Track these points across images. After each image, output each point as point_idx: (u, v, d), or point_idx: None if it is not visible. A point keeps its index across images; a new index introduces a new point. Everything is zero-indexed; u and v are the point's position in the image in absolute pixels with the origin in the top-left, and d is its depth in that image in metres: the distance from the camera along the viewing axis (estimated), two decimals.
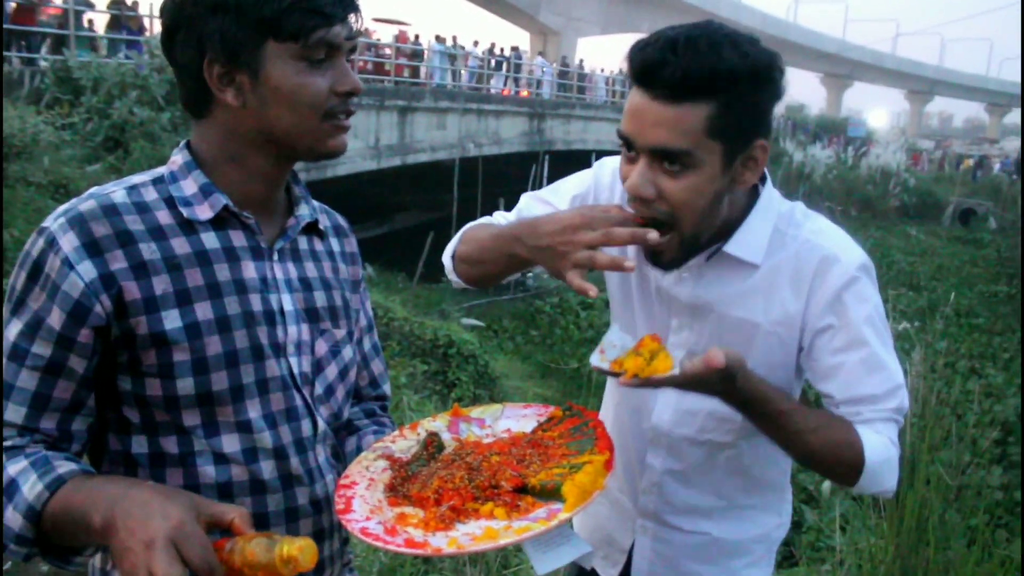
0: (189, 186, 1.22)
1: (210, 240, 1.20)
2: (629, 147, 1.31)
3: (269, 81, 1.17)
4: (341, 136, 1.25)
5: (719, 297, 1.45)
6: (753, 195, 1.44)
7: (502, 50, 24.91)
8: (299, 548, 0.96)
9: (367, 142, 17.11)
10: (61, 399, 1.14)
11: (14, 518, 1.05)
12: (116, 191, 1.18)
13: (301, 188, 1.36)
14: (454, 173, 19.47)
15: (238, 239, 1.23)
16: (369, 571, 2.90)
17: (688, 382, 1.20)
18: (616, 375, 1.20)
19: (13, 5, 13.33)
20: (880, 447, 1.36)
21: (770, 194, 1.46)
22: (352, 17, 1.23)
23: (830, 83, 70.24)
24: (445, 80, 21.67)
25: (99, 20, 14.25)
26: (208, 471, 1.19)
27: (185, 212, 1.19)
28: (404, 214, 22.34)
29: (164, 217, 1.18)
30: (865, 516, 3.99)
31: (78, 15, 13.37)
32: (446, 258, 1.62)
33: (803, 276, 1.42)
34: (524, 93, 24.48)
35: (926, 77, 73.56)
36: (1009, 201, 30.03)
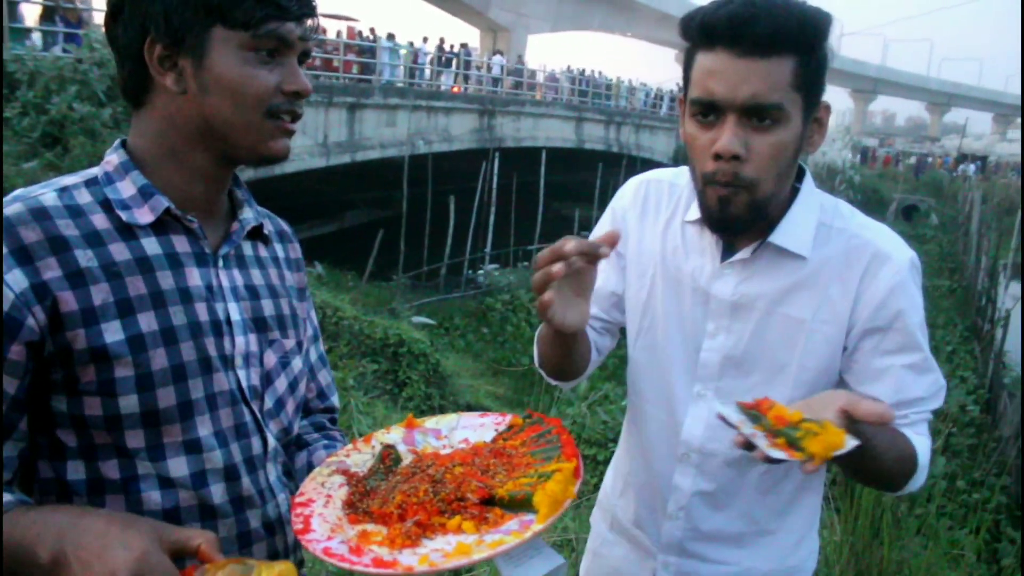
0: (127, 188, 1.14)
1: (151, 246, 1.12)
2: (708, 112, 1.29)
3: (213, 68, 1.11)
4: (283, 139, 1.18)
5: (765, 292, 1.41)
6: (794, 189, 1.42)
7: (452, 47, 24.78)
8: (278, 573, 0.90)
9: (316, 139, 16.89)
10: None
11: None
12: (45, 193, 1.09)
13: (244, 191, 1.29)
14: (404, 170, 19.33)
15: (181, 244, 1.16)
16: None
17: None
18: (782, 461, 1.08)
19: None
20: (926, 450, 1.36)
21: (810, 186, 1.43)
22: (309, 20, 1.17)
23: None
24: (395, 77, 21.49)
25: (32, 11, 13.85)
26: (153, 497, 1.11)
27: (124, 216, 1.11)
28: (354, 212, 22.13)
29: (100, 221, 1.10)
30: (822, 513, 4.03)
31: (12, 6, 12.97)
32: (538, 367, 1.58)
33: (853, 272, 1.38)
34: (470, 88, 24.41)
35: (869, 76, 74.99)
36: (950, 197, 30.77)
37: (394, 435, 1.34)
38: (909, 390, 1.38)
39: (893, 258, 1.38)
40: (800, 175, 1.42)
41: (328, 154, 17.33)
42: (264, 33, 1.11)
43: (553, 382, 1.60)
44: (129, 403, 1.07)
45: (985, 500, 6.55)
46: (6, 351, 1.02)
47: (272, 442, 1.24)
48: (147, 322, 1.09)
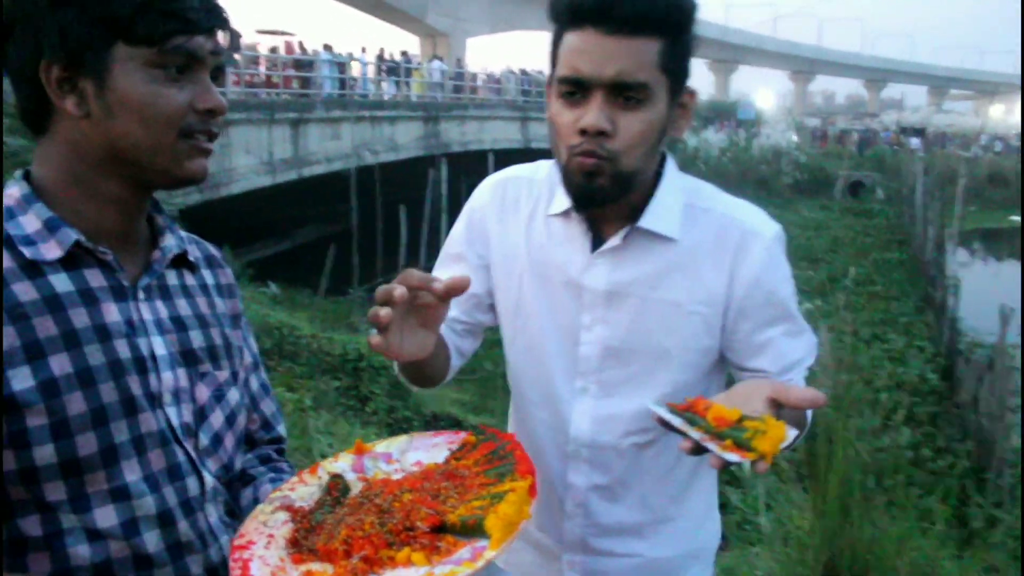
0: (31, 222, 1.05)
1: (61, 282, 1.04)
2: (576, 90, 1.29)
3: (116, 88, 1.03)
4: (200, 159, 1.10)
5: (639, 278, 1.40)
6: (657, 175, 1.42)
7: (391, 55, 24.65)
8: None
9: (260, 158, 16.67)
10: None
11: None
12: None
13: (164, 217, 1.21)
14: (351, 183, 19.17)
15: (95, 279, 1.07)
16: None
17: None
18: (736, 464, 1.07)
19: None
20: None
21: (673, 168, 1.44)
22: (220, 33, 1.10)
23: (717, 68, 72.09)
24: (335, 89, 21.30)
25: None
26: (80, 551, 1.03)
27: (28, 252, 1.03)
28: (305, 229, 21.87)
29: (3, 260, 1.02)
30: (788, 494, 4.03)
31: None
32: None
33: (725, 252, 1.39)
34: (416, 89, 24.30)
35: (806, 58, 76.20)
36: (893, 171, 31.29)
37: (342, 463, 1.27)
38: (789, 355, 1.43)
39: (762, 234, 1.40)
40: (662, 160, 1.43)
41: (274, 172, 17.12)
42: (171, 49, 1.04)
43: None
44: (45, 453, 0.99)
45: (950, 466, 6.65)
46: None
47: (210, 481, 1.16)
48: (60, 365, 1.01)
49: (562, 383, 1.47)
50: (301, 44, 22.35)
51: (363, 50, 23.78)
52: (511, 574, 1.05)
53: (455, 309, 1.52)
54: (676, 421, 1.09)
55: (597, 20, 1.25)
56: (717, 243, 1.39)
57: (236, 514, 1.23)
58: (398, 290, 1.11)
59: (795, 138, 35.71)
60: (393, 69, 23.99)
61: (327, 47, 21.70)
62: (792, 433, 1.06)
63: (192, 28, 1.05)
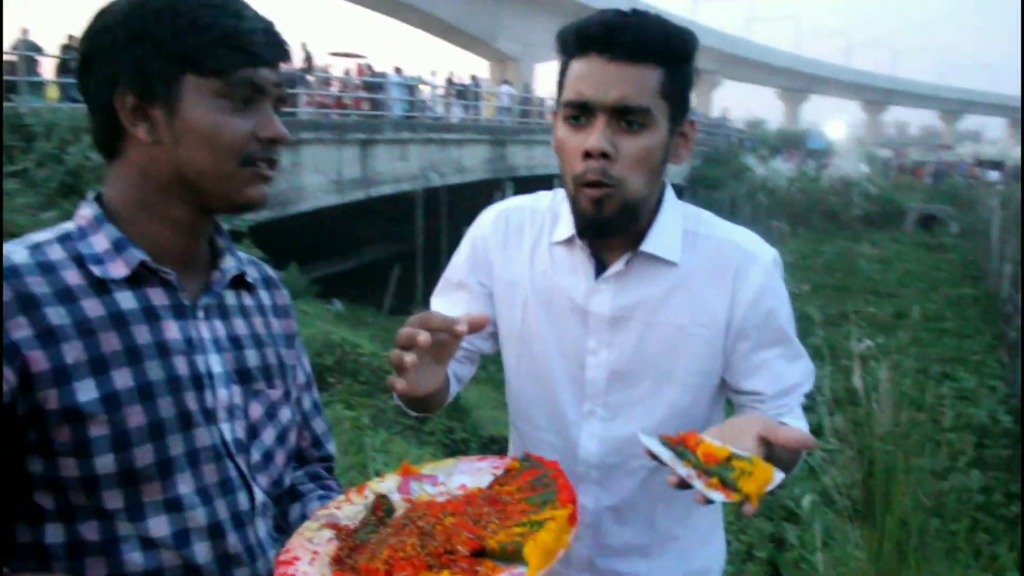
0: (100, 242, 1.11)
1: (126, 300, 1.09)
2: (580, 113, 1.35)
3: (185, 117, 1.08)
4: (260, 186, 1.15)
5: (642, 302, 1.44)
6: (657, 201, 1.46)
7: (460, 79, 24.95)
8: None
9: (329, 177, 16.98)
10: None
11: None
12: (16, 251, 1.06)
13: (225, 239, 1.26)
14: (418, 204, 19.38)
15: (158, 297, 1.13)
16: None
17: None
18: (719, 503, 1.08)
19: None
20: (805, 430, 1.40)
21: (672, 196, 1.49)
22: (283, 64, 1.15)
23: (787, 97, 71.29)
24: (405, 111, 21.62)
25: (49, 64, 14.06)
26: (135, 559, 1.07)
27: (97, 271, 1.08)
28: (371, 248, 22.18)
29: (73, 277, 1.07)
30: (847, 532, 3.93)
31: (30, 61, 13.19)
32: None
33: (724, 275, 1.44)
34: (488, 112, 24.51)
35: (880, 88, 74.90)
36: (967, 205, 30.47)
37: (388, 484, 1.29)
38: (785, 379, 1.46)
39: (760, 258, 1.45)
40: (661, 187, 1.46)
41: (343, 191, 17.42)
42: (237, 80, 1.09)
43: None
44: (105, 463, 1.04)
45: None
46: None
47: (260, 497, 1.20)
48: (122, 379, 1.06)
49: (570, 406, 1.50)
50: (370, 67, 22.74)
51: (433, 73, 24.13)
52: None
53: None
54: (665, 455, 1.10)
55: (602, 47, 1.31)
56: (717, 266, 1.44)
57: (284, 529, 1.26)
58: (422, 336, 1.14)
59: (865, 169, 35.04)
60: (462, 92, 24.26)
61: (397, 70, 22.06)
62: (779, 476, 1.06)
63: (257, 61, 1.10)
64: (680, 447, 1.11)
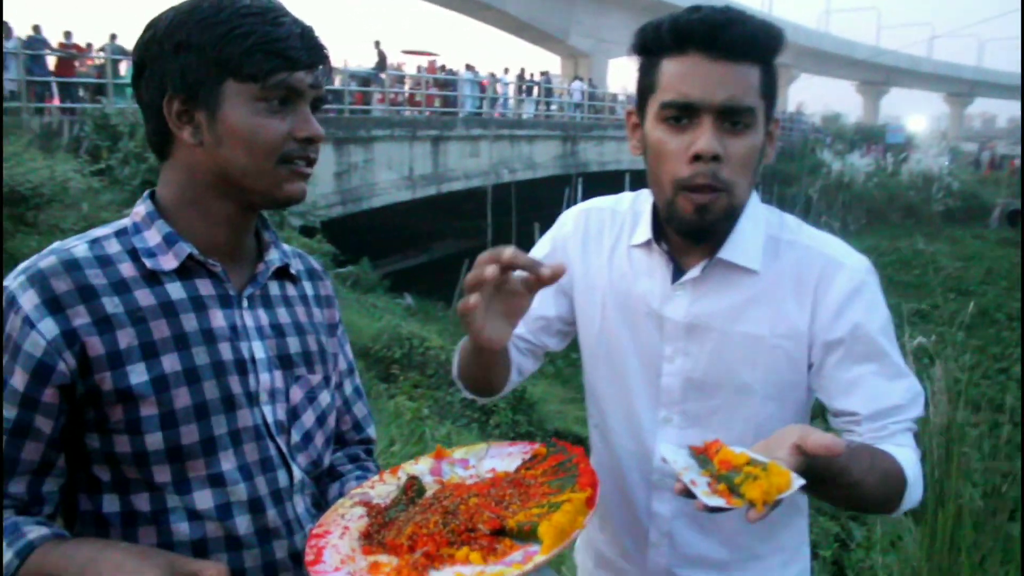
0: (152, 236, 1.20)
1: (176, 290, 1.18)
2: (683, 114, 1.30)
3: (226, 120, 1.16)
4: (299, 183, 1.22)
5: (718, 310, 1.39)
6: None
7: (532, 75, 25.00)
8: None
9: (401, 173, 17.25)
10: (30, 461, 1.12)
11: None
12: (78, 245, 1.16)
13: (271, 233, 1.34)
14: (487, 200, 19.51)
15: (205, 288, 1.21)
16: None
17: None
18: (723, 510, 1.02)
19: (54, 59, 13.72)
20: (913, 462, 1.30)
21: (755, 199, 1.42)
22: (321, 67, 1.22)
23: (866, 91, 69.54)
24: (476, 108, 21.78)
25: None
26: (182, 528, 1.16)
27: (149, 263, 1.18)
28: (441, 243, 22.45)
29: (127, 269, 1.17)
30: (911, 532, 3.88)
31: (115, 64, 13.70)
32: (455, 378, 1.58)
33: (806, 284, 1.37)
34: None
35: (965, 79, 72.50)
36: None
37: (422, 466, 1.36)
38: (883, 399, 1.34)
39: (846, 266, 1.37)
40: None
41: (414, 187, 17.67)
42: (273, 84, 1.16)
43: (468, 395, 1.60)
44: (154, 440, 1.13)
45: None
46: (40, 395, 1.10)
47: (299, 475, 1.28)
48: (170, 363, 1.15)
49: (645, 412, 1.46)
50: (444, 66, 22.96)
51: (506, 71, 24.23)
52: None
53: (522, 327, 1.55)
54: (680, 462, 1.08)
55: (704, 45, 1.27)
56: (799, 275, 1.37)
57: (322, 507, 1.34)
58: (507, 252, 1.15)
59: (948, 163, 34.02)
60: (532, 89, 24.32)
61: (469, 67, 22.23)
62: (798, 482, 0.98)
63: (293, 65, 1.17)
64: (702, 456, 1.09)
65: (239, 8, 1.16)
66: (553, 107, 25.20)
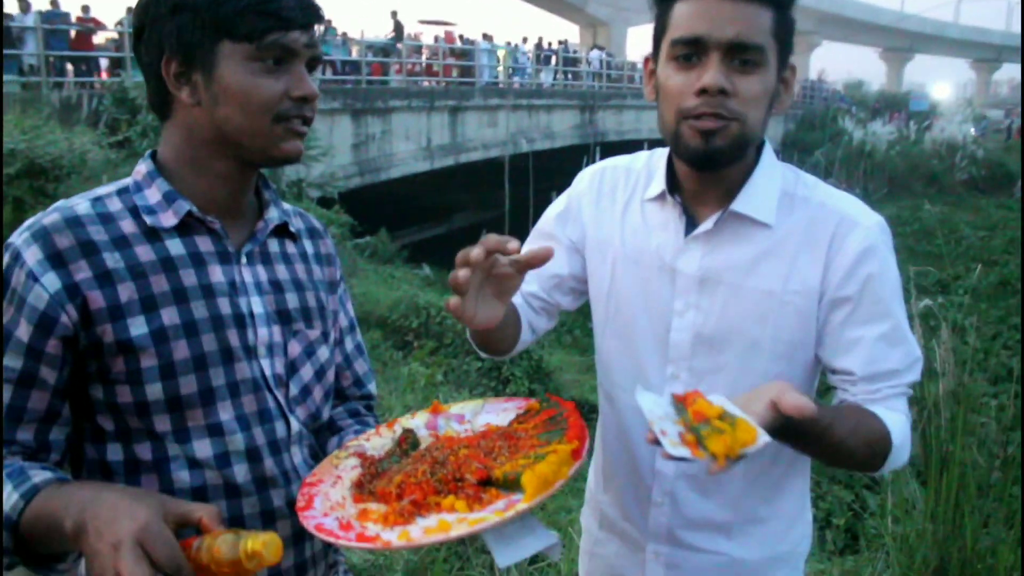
0: (153, 195, 1.24)
1: (175, 247, 1.22)
2: (692, 52, 1.31)
3: (221, 80, 1.19)
4: (294, 141, 1.25)
5: (731, 264, 1.39)
6: (754, 160, 1.42)
7: (550, 44, 24.84)
8: (263, 543, 0.96)
9: (419, 143, 17.25)
10: (36, 410, 1.16)
11: None
12: (80, 203, 1.20)
13: (271, 192, 1.38)
14: (505, 170, 19.48)
15: (204, 244, 1.25)
16: (394, 570, 2.92)
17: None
18: (687, 460, 1.05)
19: (73, 32, 13.77)
20: (901, 426, 1.32)
21: (771, 154, 1.44)
22: (316, 27, 1.24)
23: (889, 58, 68.56)
24: (494, 78, 21.69)
25: None
26: (183, 476, 1.21)
27: (149, 220, 1.21)
28: (460, 213, 22.45)
29: (128, 226, 1.20)
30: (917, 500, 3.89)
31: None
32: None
33: (820, 240, 1.37)
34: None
35: (992, 44, 71.25)
36: None
37: (418, 420, 1.40)
38: (882, 362, 1.35)
39: (861, 223, 1.37)
40: (760, 145, 1.42)
41: (432, 157, 17.67)
42: (268, 44, 1.19)
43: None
44: (154, 390, 1.17)
45: None
46: (44, 346, 1.14)
47: (296, 426, 1.31)
48: (169, 316, 1.18)
49: (653, 369, 1.47)
50: (461, 35, 22.84)
51: (524, 40, 24.09)
52: (552, 533, 1.13)
53: (535, 285, 1.59)
54: (654, 412, 1.10)
55: None
56: (813, 231, 1.37)
57: (320, 459, 1.38)
58: (475, 252, 1.13)
59: (973, 131, 33.54)
60: (550, 58, 24.17)
61: (487, 36, 22.10)
62: (764, 439, 1.00)
63: (287, 25, 1.19)
64: (680, 405, 1.11)
65: None
66: (571, 76, 25.04)
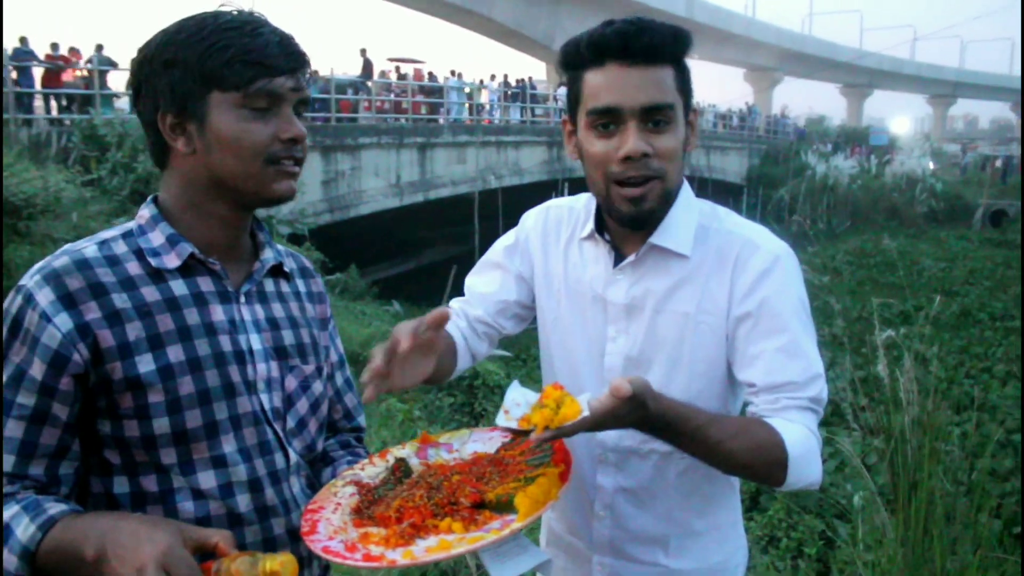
0: (157, 237, 1.30)
1: (179, 287, 1.28)
2: (608, 120, 1.42)
3: (213, 128, 1.26)
4: (287, 181, 1.32)
5: (653, 291, 1.52)
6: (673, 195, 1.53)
7: (518, 81, 25.12)
8: (280, 563, 1.02)
9: (388, 180, 17.33)
10: (47, 445, 1.21)
11: (9, 560, 1.11)
12: (88, 246, 1.26)
13: (265, 234, 1.45)
14: (475, 206, 19.60)
15: (206, 284, 1.31)
16: None
17: (600, 420, 1.21)
18: (525, 433, 1.27)
19: (41, 70, 13.76)
20: (801, 438, 1.37)
21: (688, 191, 1.56)
22: (301, 72, 1.31)
23: (849, 93, 69.90)
24: (463, 115, 21.88)
25: (119, 78, 14.63)
26: (187, 507, 1.26)
27: (154, 262, 1.28)
28: (429, 249, 22.51)
29: (134, 268, 1.26)
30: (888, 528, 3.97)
31: (102, 75, 13.75)
32: None
33: (726, 263, 1.49)
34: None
35: (947, 80, 72.90)
36: None
37: (408, 450, 1.47)
38: (779, 373, 1.42)
39: (762, 247, 1.49)
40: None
41: (402, 194, 17.74)
42: (255, 91, 1.26)
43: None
44: (161, 424, 1.23)
45: None
46: (57, 384, 1.19)
47: (295, 457, 1.37)
48: (175, 353, 1.25)
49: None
50: (430, 73, 23.05)
51: (492, 77, 24.34)
52: (539, 549, 1.20)
53: (480, 310, 1.71)
54: (512, 399, 1.35)
55: (619, 55, 1.40)
56: (721, 256, 1.50)
57: (316, 488, 1.44)
58: (376, 360, 1.23)
59: (931, 165, 34.25)
60: (517, 95, 24.43)
61: (455, 74, 22.32)
62: (584, 414, 1.19)
63: (272, 72, 1.27)
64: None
65: (220, 23, 1.26)
66: (539, 112, 25.32)
